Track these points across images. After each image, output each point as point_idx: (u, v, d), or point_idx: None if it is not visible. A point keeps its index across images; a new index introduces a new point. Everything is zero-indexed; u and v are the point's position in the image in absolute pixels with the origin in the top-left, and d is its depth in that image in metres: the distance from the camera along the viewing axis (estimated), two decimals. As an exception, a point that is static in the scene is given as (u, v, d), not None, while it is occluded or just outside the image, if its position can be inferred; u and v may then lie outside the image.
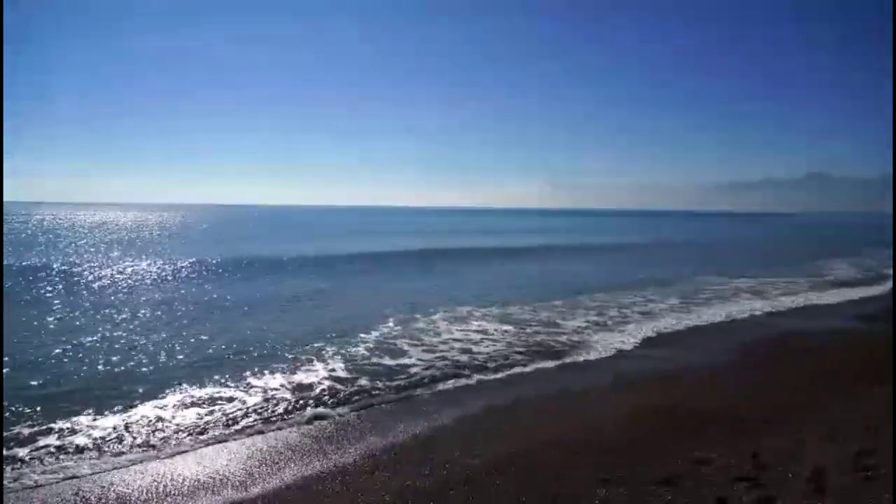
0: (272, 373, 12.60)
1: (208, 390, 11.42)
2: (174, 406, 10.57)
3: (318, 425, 9.73)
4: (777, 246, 59.49)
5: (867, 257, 43.57)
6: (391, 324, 17.64)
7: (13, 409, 10.10)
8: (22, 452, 8.47)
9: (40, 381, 11.69)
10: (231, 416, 10.14)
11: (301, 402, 10.86)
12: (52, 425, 9.44)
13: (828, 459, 7.37)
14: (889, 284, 27.73)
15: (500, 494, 7.00)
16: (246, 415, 10.20)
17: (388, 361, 13.67)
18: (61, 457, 8.39)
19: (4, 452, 8.37)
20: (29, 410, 10.05)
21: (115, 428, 9.45)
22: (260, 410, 10.43)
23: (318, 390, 11.54)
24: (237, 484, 7.53)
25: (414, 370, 13.00)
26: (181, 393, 11.25)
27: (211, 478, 7.72)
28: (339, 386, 11.79)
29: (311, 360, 13.55)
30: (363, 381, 12.11)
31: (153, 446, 8.83)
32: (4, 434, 8.98)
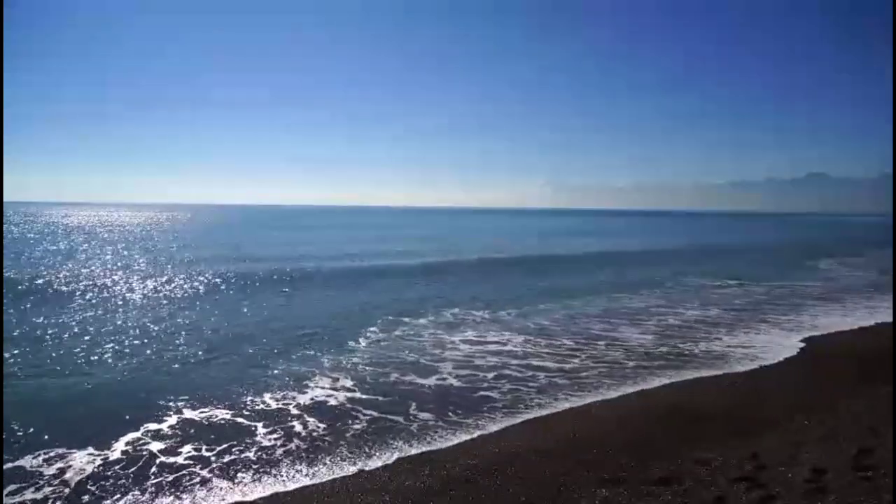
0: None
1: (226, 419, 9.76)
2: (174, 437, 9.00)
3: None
4: (802, 247, 57.59)
5: (869, 258, 43.92)
6: (375, 334, 17.54)
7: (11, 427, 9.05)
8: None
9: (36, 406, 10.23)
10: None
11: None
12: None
13: (828, 459, 7.36)
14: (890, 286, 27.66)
15: (500, 494, 7.01)
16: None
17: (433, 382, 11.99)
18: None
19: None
20: (22, 432, 8.92)
21: (98, 470, 7.87)
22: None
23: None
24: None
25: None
26: (181, 419, 9.72)
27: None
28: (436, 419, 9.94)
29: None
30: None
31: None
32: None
